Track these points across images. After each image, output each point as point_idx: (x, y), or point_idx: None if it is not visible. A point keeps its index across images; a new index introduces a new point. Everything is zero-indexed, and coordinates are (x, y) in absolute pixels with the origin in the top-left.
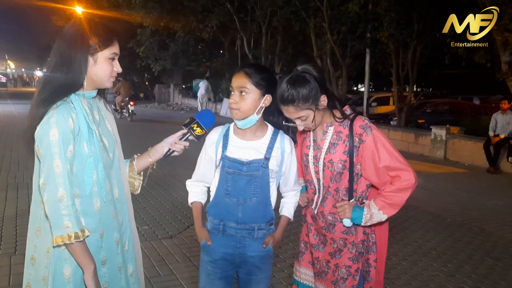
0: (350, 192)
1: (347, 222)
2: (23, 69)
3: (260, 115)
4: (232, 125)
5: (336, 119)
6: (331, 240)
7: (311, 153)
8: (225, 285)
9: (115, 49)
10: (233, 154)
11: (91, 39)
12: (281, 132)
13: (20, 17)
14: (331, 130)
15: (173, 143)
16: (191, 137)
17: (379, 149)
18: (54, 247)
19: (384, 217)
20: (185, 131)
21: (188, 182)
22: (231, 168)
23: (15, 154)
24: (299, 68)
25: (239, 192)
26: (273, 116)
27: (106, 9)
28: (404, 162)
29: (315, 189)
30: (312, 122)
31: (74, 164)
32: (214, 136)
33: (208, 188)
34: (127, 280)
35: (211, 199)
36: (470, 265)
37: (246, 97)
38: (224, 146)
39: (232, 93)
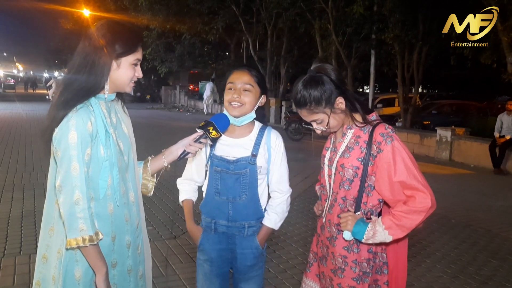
0: (358, 203)
1: (347, 235)
2: (31, 72)
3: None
4: None
5: (357, 123)
6: (332, 255)
7: (327, 154)
8: (222, 282)
9: (138, 55)
10: (220, 152)
11: (118, 44)
12: (268, 127)
13: (28, 20)
14: (350, 133)
15: (187, 144)
16: (205, 140)
17: (397, 162)
18: (67, 249)
19: (388, 238)
20: (200, 133)
21: (178, 180)
22: (219, 167)
23: (22, 155)
24: (313, 67)
25: (228, 190)
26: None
27: (113, 11)
28: (422, 182)
29: (327, 195)
30: (327, 125)
31: (90, 167)
32: None
33: (200, 187)
34: (136, 283)
35: (203, 197)
36: (474, 266)
37: (249, 94)
38: (213, 145)
39: (232, 89)
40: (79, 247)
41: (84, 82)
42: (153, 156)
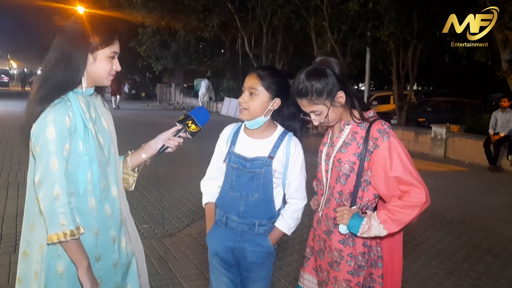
0: (354, 198)
1: (342, 229)
2: (25, 69)
3: (268, 117)
4: (244, 123)
5: (354, 119)
6: (329, 248)
7: (325, 150)
8: (231, 276)
9: (115, 48)
10: (239, 150)
11: (93, 37)
12: (290, 134)
13: (22, 16)
14: (347, 129)
15: (167, 139)
16: (185, 134)
17: (393, 157)
18: (49, 244)
19: (383, 232)
20: (179, 127)
21: (202, 182)
22: (235, 164)
23: (16, 153)
24: (318, 60)
25: (242, 187)
26: (289, 120)
27: (108, 8)
28: (418, 178)
29: (324, 189)
30: (325, 118)
31: (69, 162)
32: (227, 132)
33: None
34: (124, 276)
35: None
36: (469, 263)
37: (255, 98)
38: (233, 142)
39: (243, 93)
40: (60, 242)
41: (60, 76)
42: (133, 150)
